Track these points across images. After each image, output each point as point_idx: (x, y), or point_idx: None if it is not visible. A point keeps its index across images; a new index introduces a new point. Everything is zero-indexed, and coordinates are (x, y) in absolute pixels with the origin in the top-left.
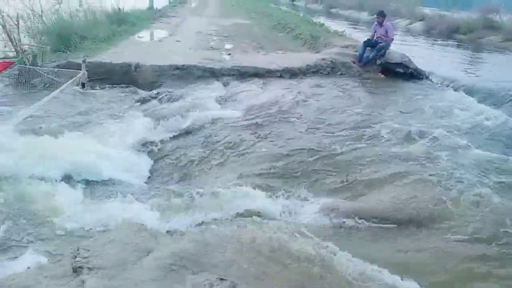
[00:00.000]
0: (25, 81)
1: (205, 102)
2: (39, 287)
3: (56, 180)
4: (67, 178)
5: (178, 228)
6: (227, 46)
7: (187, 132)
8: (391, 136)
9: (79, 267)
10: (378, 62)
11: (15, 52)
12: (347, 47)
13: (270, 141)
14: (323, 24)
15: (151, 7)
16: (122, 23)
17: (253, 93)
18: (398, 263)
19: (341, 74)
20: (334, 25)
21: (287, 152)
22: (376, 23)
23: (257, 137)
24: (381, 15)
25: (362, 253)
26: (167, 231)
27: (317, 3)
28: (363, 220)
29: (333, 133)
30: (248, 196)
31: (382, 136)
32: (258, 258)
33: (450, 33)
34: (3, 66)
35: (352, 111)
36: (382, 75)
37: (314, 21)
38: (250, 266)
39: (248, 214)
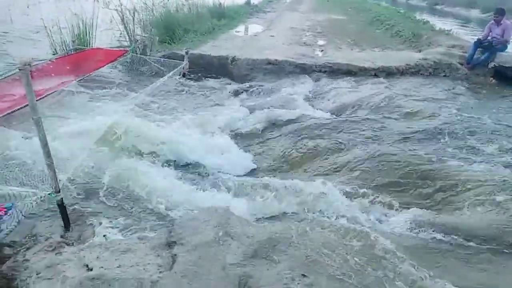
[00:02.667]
0: (136, 68)
1: (295, 98)
2: (139, 253)
3: (156, 161)
4: (166, 160)
5: (263, 217)
6: (320, 42)
7: (276, 126)
8: (497, 152)
9: (173, 241)
10: (491, 65)
11: (129, 42)
12: (453, 47)
13: (359, 143)
14: (427, 22)
15: (248, 2)
16: (222, 18)
17: (344, 91)
18: None
19: (444, 76)
20: (439, 23)
21: (375, 156)
22: (492, 21)
23: (345, 138)
24: (500, 13)
25: (446, 273)
26: (251, 219)
27: None
28: (453, 237)
29: (429, 141)
30: (331, 196)
31: (487, 152)
32: (338, 260)
33: None
34: (119, 53)
35: (455, 118)
36: (494, 80)
37: (417, 18)
38: (329, 267)
39: (330, 214)
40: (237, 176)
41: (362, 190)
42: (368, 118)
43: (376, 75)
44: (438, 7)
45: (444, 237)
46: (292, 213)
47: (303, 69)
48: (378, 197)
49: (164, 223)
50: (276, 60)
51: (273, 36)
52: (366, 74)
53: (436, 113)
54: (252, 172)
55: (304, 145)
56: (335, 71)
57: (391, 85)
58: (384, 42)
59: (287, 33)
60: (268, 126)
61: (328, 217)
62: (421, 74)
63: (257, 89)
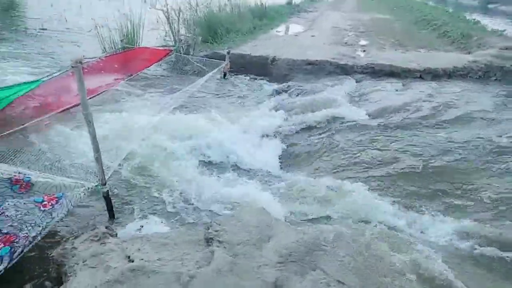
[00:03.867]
0: (179, 67)
1: (334, 99)
2: (178, 247)
3: (196, 158)
4: (206, 157)
5: (297, 218)
6: (363, 42)
7: (314, 127)
8: None
9: (211, 238)
10: None
11: (173, 41)
12: (506, 49)
13: (401, 148)
14: (477, 22)
15: (290, 2)
16: (263, 17)
17: (387, 93)
18: None
19: (496, 79)
20: (491, 23)
21: (417, 164)
22: None
23: (386, 142)
24: None
25: None
26: (287, 220)
27: None
28: (503, 253)
29: (479, 149)
30: (370, 202)
31: None
32: (376, 268)
33: None
34: (164, 53)
35: (506, 127)
36: None
37: (467, 17)
38: (366, 274)
39: (369, 220)
40: (274, 176)
41: (402, 198)
42: (411, 123)
43: (421, 77)
44: (491, 6)
45: (490, 250)
46: (329, 216)
47: (344, 70)
48: (419, 205)
49: (202, 218)
50: (316, 60)
51: (314, 36)
52: (410, 75)
53: (486, 121)
54: (289, 173)
55: (343, 147)
56: (377, 72)
57: (437, 88)
58: (431, 43)
59: (329, 33)
60: (306, 126)
61: (366, 223)
62: (470, 77)
63: (296, 89)
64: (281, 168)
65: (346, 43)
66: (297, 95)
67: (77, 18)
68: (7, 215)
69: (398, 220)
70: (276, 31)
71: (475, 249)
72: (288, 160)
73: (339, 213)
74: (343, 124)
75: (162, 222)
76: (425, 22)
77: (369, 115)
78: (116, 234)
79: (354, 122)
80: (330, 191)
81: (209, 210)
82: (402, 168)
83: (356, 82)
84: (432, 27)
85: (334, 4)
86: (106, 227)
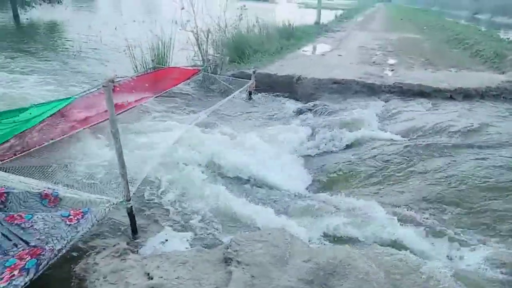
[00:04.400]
0: (206, 86)
1: (361, 119)
2: (196, 266)
3: (217, 174)
4: (227, 174)
5: (320, 240)
6: (391, 61)
7: (339, 146)
8: None
9: (229, 258)
10: None
11: (202, 61)
12: None
13: (430, 171)
14: None
15: (317, 22)
16: (291, 38)
17: (416, 113)
18: None
19: None
20: None
21: (450, 186)
22: None
23: (415, 164)
24: None
25: None
26: (309, 241)
27: (506, 16)
28: None
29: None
30: (396, 224)
31: None
32: None
33: None
34: (192, 72)
35: None
36: None
37: (501, 36)
38: None
39: (394, 243)
40: (296, 194)
41: (430, 221)
42: (441, 145)
43: (451, 97)
44: None
45: None
46: (353, 239)
47: (371, 89)
48: (448, 230)
49: (222, 237)
50: (342, 79)
51: (341, 55)
52: (440, 95)
53: None
54: (313, 193)
55: (369, 168)
56: (406, 92)
57: (469, 108)
58: (462, 62)
59: (356, 52)
60: (331, 146)
61: (392, 247)
62: (503, 97)
63: (321, 108)
64: (305, 188)
65: (373, 62)
66: (322, 114)
67: (112, 38)
68: (35, 228)
69: (425, 245)
70: (303, 51)
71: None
72: (313, 180)
73: (364, 237)
74: (370, 144)
75: (181, 240)
76: (456, 41)
77: (397, 135)
78: (137, 250)
79: (382, 143)
80: (355, 213)
81: (229, 230)
82: (431, 192)
83: (384, 101)
84: (464, 46)
85: (362, 24)
86: (128, 243)
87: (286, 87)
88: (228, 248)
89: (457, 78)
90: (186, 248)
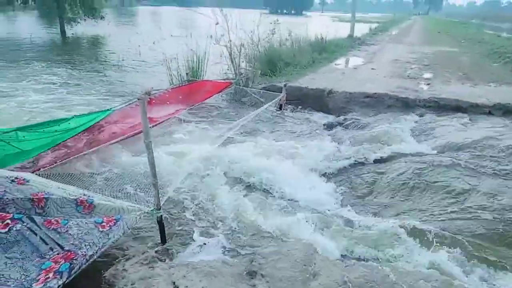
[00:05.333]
0: (238, 99)
1: (394, 133)
2: (221, 278)
3: (244, 187)
4: (254, 186)
5: (348, 257)
6: (426, 75)
7: (373, 162)
8: None
9: (254, 271)
10: None
11: (234, 74)
12: None
13: (469, 190)
14: None
15: (351, 35)
16: (323, 51)
17: (452, 129)
18: None
19: None
20: None
21: (490, 208)
22: None
23: (452, 182)
24: None
25: None
26: (336, 258)
27: None
28: None
29: None
30: (431, 247)
31: None
32: None
33: None
34: (224, 85)
35: None
36: None
37: None
38: None
39: (424, 263)
40: (326, 210)
41: (467, 245)
42: (480, 162)
43: (490, 113)
44: None
45: None
46: (383, 259)
47: (405, 104)
48: (482, 252)
49: (247, 250)
50: (375, 93)
51: (374, 69)
52: (478, 111)
53: None
54: (342, 208)
55: (404, 186)
56: (442, 107)
57: (510, 125)
58: (502, 77)
59: (390, 66)
60: (363, 161)
61: (423, 267)
62: None
63: (352, 122)
64: (334, 203)
65: (408, 76)
66: (353, 128)
67: (151, 52)
68: (70, 233)
69: (461, 269)
70: (335, 64)
71: None
72: (343, 195)
73: (394, 257)
74: (405, 160)
75: (208, 250)
76: (496, 55)
77: (431, 151)
78: (165, 259)
79: (417, 159)
80: (386, 232)
81: (254, 241)
82: (470, 213)
83: (419, 116)
84: (505, 61)
85: (397, 37)
86: (156, 252)
87: (317, 100)
88: (252, 261)
89: (497, 93)
90: (212, 258)
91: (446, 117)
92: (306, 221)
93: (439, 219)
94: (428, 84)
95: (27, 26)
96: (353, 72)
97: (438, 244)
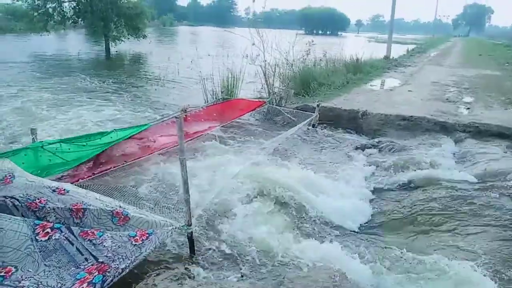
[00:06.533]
0: (270, 117)
1: (432, 158)
2: None
3: (275, 205)
4: (286, 207)
5: (376, 286)
6: (466, 99)
7: (409, 187)
8: None
9: None
10: None
11: (267, 94)
12: None
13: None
14: None
15: (387, 57)
16: (358, 72)
17: (494, 156)
18: None
19: None
20: None
21: None
22: None
23: (495, 213)
24: None
25: None
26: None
27: None
28: None
29: None
30: (472, 280)
31: None
32: None
33: None
34: (258, 104)
35: None
36: None
37: None
38: None
39: None
40: (359, 236)
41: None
42: None
43: None
44: None
45: None
46: None
47: (443, 128)
48: None
49: (276, 272)
50: (411, 116)
51: (411, 91)
52: None
53: None
54: (376, 235)
55: (442, 214)
56: (483, 132)
57: None
58: None
59: (428, 88)
60: (399, 185)
61: None
62: None
63: (387, 145)
64: (366, 228)
65: (447, 99)
66: (388, 151)
67: (188, 70)
68: (104, 245)
69: None
70: (370, 85)
71: None
72: (377, 221)
73: None
74: (443, 187)
75: (236, 269)
76: None
77: (471, 179)
78: (194, 276)
79: (453, 185)
80: (423, 263)
81: (284, 265)
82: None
83: (457, 141)
84: None
85: (435, 59)
86: (185, 268)
87: (350, 121)
88: (280, 286)
89: None
90: (239, 279)
91: (487, 143)
92: (337, 246)
93: (483, 250)
94: (468, 108)
95: (76, 44)
96: (388, 93)
97: (484, 277)
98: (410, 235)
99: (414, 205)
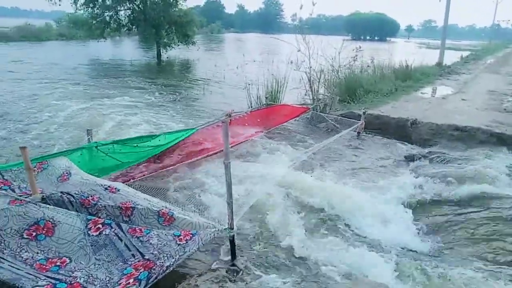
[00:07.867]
0: (314, 124)
1: (485, 172)
2: None
3: (315, 217)
4: (328, 217)
5: None
6: None
7: (462, 203)
8: None
9: None
10: None
11: (312, 100)
12: None
13: None
14: None
15: (439, 63)
16: (407, 79)
17: None
18: None
19: None
20: None
21: None
22: None
23: None
24: None
25: None
26: None
27: None
28: None
29: None
30: None
31: None
32: None
33: None
34: (302, 110)
35: None
36: None
37: None
38: None
39: None
40: (405, 250)
41: None
42: None
43: None
44: None
45: None
46: None
47: (501, 140)
48: None
49: (318, 282)
50: (465, 126)
51: (464, 100)
52: None
53: None
54: (425, 251)
55: (499, 234)
56: None
57: None
58: None
59: (483, 97)
60: (450, 200)
61: None
62: None
63: (438, 156)
64: (411, 243)
65: (505, 109)
66: (439, 163)
67: (234, 76)
68: (151, 243)
69: None
70: (421, 93)
71: None
72: (423, 235)
73: None
74: (495, 202)
75: (276, 275)
76: None
77: None
78: (234, 279)
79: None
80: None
81: (325, 277)
82: None
83: None
84: None
85: (492, 66)
86: (227, 271)
87: (399, 130)
88: None
89: None
90: (280, 285)
91: None
92: (380, 260)
93: None
94: None
95: (129, 50)
96: (440, 102)
97: None
98: (459, 252)
99: (463, 222)
